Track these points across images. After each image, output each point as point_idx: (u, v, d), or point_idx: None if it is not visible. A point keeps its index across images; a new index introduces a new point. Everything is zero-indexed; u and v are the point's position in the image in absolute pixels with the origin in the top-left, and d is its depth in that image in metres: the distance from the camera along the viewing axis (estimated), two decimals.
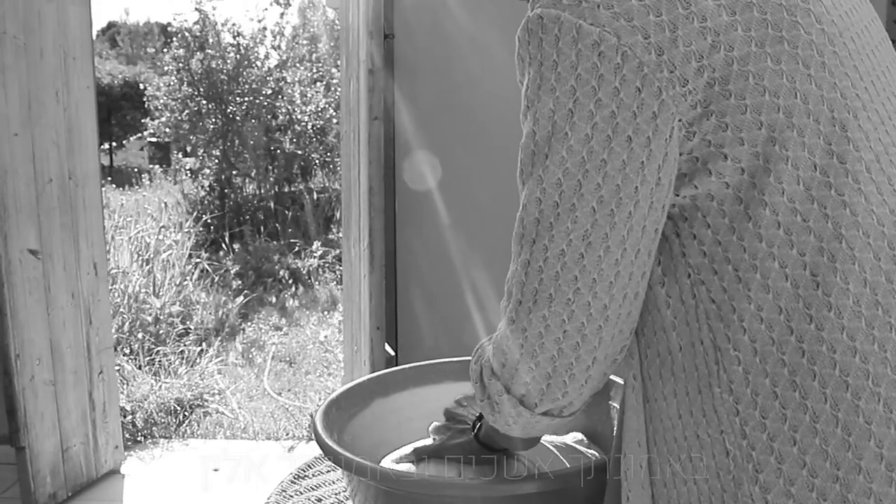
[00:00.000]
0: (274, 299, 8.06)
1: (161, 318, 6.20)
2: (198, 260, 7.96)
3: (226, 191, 11.30)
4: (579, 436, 1.52)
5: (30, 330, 3.25)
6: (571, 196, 0.91)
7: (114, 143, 25.46)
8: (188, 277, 7.31)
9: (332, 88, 12.79)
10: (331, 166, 12.64)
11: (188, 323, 6.49)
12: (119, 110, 23.91)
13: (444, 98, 3.26)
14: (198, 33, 11.69)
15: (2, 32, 3.02)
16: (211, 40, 11.66)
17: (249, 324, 7.14)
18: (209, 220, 10.35)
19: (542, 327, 0.96)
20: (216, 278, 7.95)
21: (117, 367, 4.75)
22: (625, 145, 0.89)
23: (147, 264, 6.94)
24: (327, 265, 9.25)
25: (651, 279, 0.98)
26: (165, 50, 12.54)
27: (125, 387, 4.97)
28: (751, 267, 0.91)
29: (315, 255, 9.35)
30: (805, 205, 0.90)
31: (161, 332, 6.05)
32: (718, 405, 0.92)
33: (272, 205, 11.37)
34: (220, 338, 6.52)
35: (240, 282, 8.26)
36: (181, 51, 11.66)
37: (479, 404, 1.08)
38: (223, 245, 9.61)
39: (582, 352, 0.97)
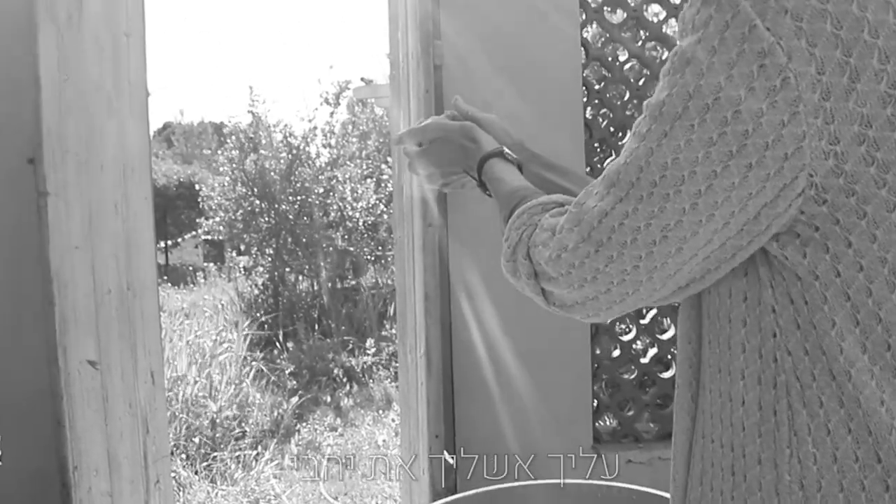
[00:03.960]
0: (328, 398, 8.02)
1: (217, 421, 6.18)
2: (254, 362, 7.97)
3: (279, 288, 11.40)
4: None
5: (87, 441, 3.24)
6: (668, 187, 0.86)
7: (169, 242, 25.95)
8: (244, 379, 7.31)
9: (383, 184, 12.95)
10: (382, 262, 12.71)
11: (244, 425, 6.46)
12: (174, 210, 24.45)
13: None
14: (251, 134, 11.95)
15: (64, 149, 3.09)
16: (264, 141, 11.91)
17: (304, 424, 7.09)
18: (263, 320, 10.40)
19: (602, 264, 0.93)
20: (272, 378, 7.95)
21: (173, 474, 4.71)
22: (742, 171, 0.82)
23: (206, 368, 6.95)
24: (381, 363, 9.21)
25: (732, 314, 0.93)
26: (220, 151, 12.83)
27: (181, 494, 4.93)
28: (844, 373, 0.83)
29: (369, 352, 9.32)
30: None
31: (218, 435, 6.03)
32: (784, 494, 0.87)
33: (325, 302, 11.41)
34: (275, 439, 6.47)
35: (294, 382, 8.24)
36: (235, 152, 11.92)
37: (503, 253, 1.08)
38: (277, 343, 9.63)
39: (630, 301, 0.96)
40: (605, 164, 3.20)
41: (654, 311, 3.48)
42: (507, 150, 1.30)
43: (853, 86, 0.78)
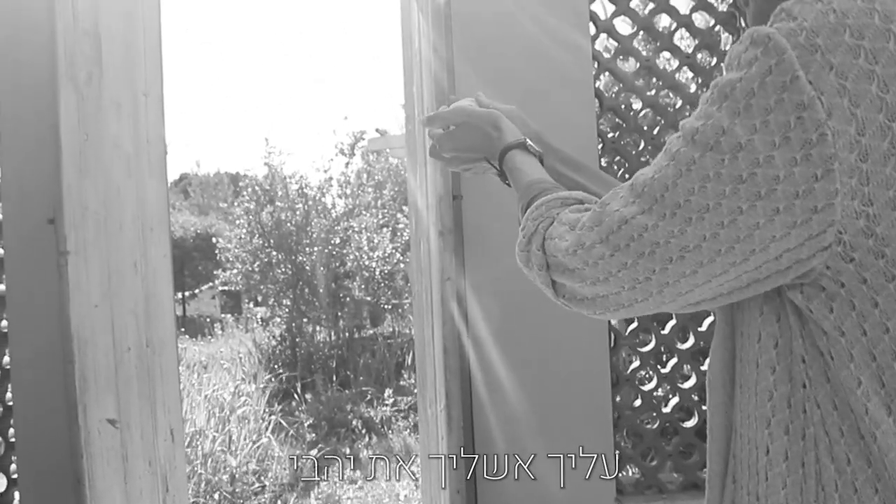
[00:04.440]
0: (348, 450, 7.96)
1: (237, 476, 6.14)
2: (272, 415, 7.93)
3: (297, 339, 11.39)
4: None
5: (107, 500, 3.22)
6: (692, 211, 0.86)
7: (186, 293, 26.03)
8: (263, 433, 7.27)
9: (399, 233, 12.98)
10: (399, 310, 12.70)
11: (263, 479, 6.41)
12: (191, 261, 24.60)
13: (515, 260, 3.23)
14: (267, 186, 12.04)
15: (84, 208, 3.11)
16: (280, 192, 11.99)
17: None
18: (281, 372, 10.38)
19: (615, 269, 0.93)
20: (290, 431, 7.90)
21: None
22: (769, 214, 0.81)
23: (225, 422, 6.92)
24: (400, 413, 9.15)
25: (760, 359, 0.92)
26: (237, 203, 12.92)
27: None
28: (870, 434, 0.82)
29: (387, 403, 9.27)
30: None
31: (237, 490, 5.99)
32: None
33: (343, 352, 11.38)
34: (295, 493, 6.42)
35: (313, 434, 8.19)
36: (252, 204, 11.99)
37: (518, 243, 1.10)
38: (295, 395, 9.59)
39: (638, 307, 0.97)
40: None
41: (675, 360, 3.46)
42: (529, 141, 1.31)
43: (894, 151, 0.78)
